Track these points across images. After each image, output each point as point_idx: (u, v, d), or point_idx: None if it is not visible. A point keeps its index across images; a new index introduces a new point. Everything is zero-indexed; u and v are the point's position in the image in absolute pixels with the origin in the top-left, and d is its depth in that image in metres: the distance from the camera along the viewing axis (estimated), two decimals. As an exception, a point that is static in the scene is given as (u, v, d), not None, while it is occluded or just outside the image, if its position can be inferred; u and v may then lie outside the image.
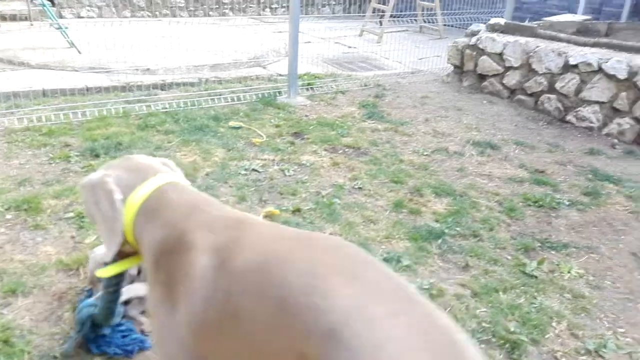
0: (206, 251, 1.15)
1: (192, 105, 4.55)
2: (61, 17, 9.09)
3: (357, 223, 2.82)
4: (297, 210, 2.88)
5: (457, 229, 2.83)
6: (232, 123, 4.17)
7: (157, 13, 9.92)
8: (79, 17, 9.19)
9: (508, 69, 5.39)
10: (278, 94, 5.03)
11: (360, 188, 3.24)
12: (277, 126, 4.22)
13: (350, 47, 8.05)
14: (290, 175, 3.34)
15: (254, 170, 3.36)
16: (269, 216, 2.77)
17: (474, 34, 5.90)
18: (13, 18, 7.67)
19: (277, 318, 0.98)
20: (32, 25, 7.57)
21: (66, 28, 5.95)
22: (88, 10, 9.39)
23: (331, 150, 3.83)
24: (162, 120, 4.14)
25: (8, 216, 2.62)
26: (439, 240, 2.69)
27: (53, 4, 9.15)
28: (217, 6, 10.54)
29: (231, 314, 1.07)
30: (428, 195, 3.21)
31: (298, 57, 4.94)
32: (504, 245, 2.71)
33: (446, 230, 2.79)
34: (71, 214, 2.66)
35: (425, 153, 3.91)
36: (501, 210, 3.07)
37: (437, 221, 2.91)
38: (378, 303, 0.92)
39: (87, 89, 4.82)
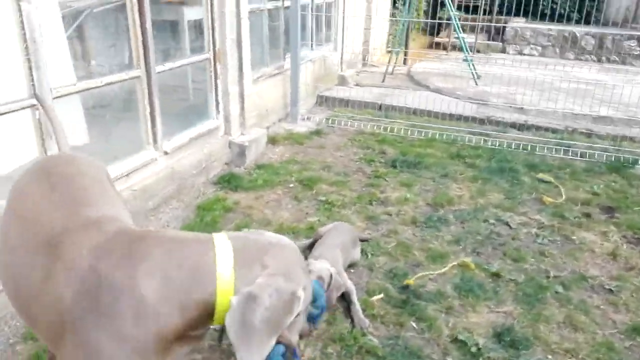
0: None
1: (524, 149, 4.35)
2: (504, 52, 9.83)
3: (556, 321, 2.24)
4: (495, 275, 2.54)
5: None
6: (541, 175, 3.79)
7: (603, 58, 9.25)
8: (521, 53, 9.66)
9: None
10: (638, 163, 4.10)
11: (610, 290, 2.48)
12: (593, 193, 3.55)
13: None
14: (539, 243, 2.88)
15: (506, 224, 3.07)
16: (462, 266, 2.58)
17: None
18: (459, 48, 8.91)
19: None
20: (475, 54, 8.56)
21: (471, 60, 6.56)
22: (531, 49, 9.75)
23: (633, 241, 2.97)
24: (478, 154, 4.20)
25: (291, 185, 3.51)
26: None
27: (502, 40, 9.99)
28: (685, 57, 8.81)
29: None
30: None
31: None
32: None
33: None
34: (323, 198, 3.29)
35: None
36: None
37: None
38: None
39: (449, 115, 5.31)
